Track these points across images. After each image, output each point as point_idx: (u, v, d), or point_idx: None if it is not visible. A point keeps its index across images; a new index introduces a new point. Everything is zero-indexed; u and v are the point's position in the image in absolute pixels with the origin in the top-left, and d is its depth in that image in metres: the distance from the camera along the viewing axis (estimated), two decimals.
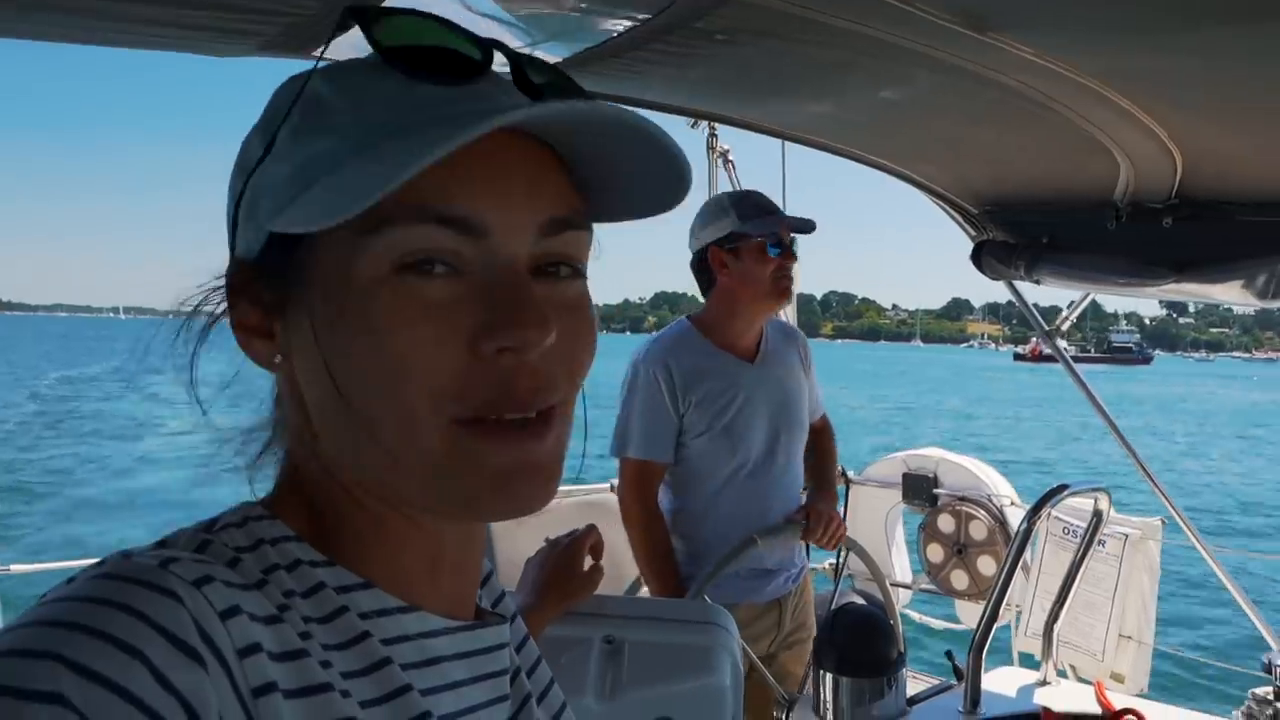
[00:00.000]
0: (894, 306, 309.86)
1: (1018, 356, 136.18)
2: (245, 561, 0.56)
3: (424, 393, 0.55)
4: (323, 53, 0.63)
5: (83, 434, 27.03)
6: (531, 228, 0.58)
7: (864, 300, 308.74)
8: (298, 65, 1.70)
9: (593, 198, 0.63)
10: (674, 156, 0.60)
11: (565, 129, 0.58)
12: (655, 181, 0.63)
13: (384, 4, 0.68)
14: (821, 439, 3.07)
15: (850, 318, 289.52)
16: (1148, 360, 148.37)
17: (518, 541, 2.95)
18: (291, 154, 0.58)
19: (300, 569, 0.58)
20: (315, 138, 0.58)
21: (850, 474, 4.33)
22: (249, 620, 0.51)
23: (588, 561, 1.46)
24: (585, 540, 1.46)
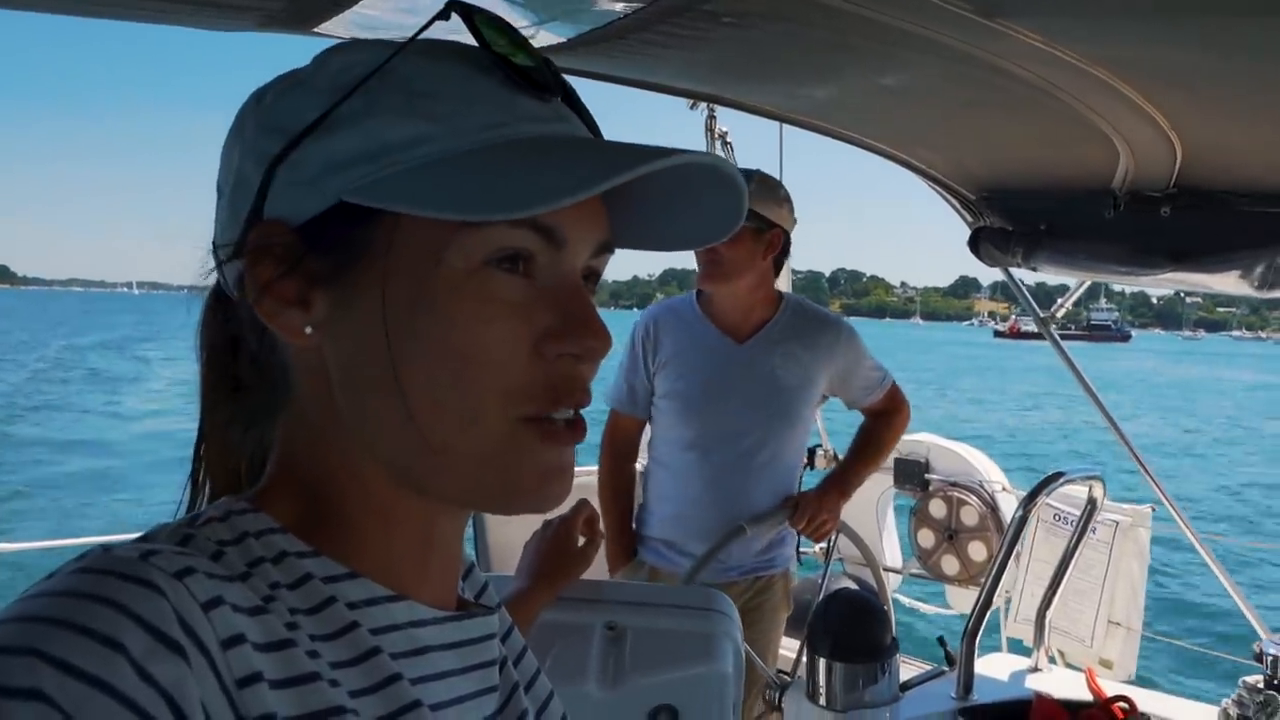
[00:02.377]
0: (902, 284, 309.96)
1: (997, 334, 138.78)
2: (228, 555, 0.55)
3: (493, 385, 0.58)
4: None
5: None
6: (591, 246, 0.62)
7: (872, 278, 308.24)
8: (294, 40, 1.68)
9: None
10: (739, 202, 0.64)
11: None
12: (707, 218, 0.66)
13: None
14: (877, 423, 3.01)
15: (858, 295, 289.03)
16: (1126, 338, 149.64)
17: (509, 529, 2.96)
18: (373, 129, 0.57)
19: (286, 561, 0.58)
20: (409, 120, 0.57)
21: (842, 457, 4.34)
22: (232, 611, 0.51)
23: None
24: (577, 518, 1.45)
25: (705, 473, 2.74)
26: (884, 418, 3.02)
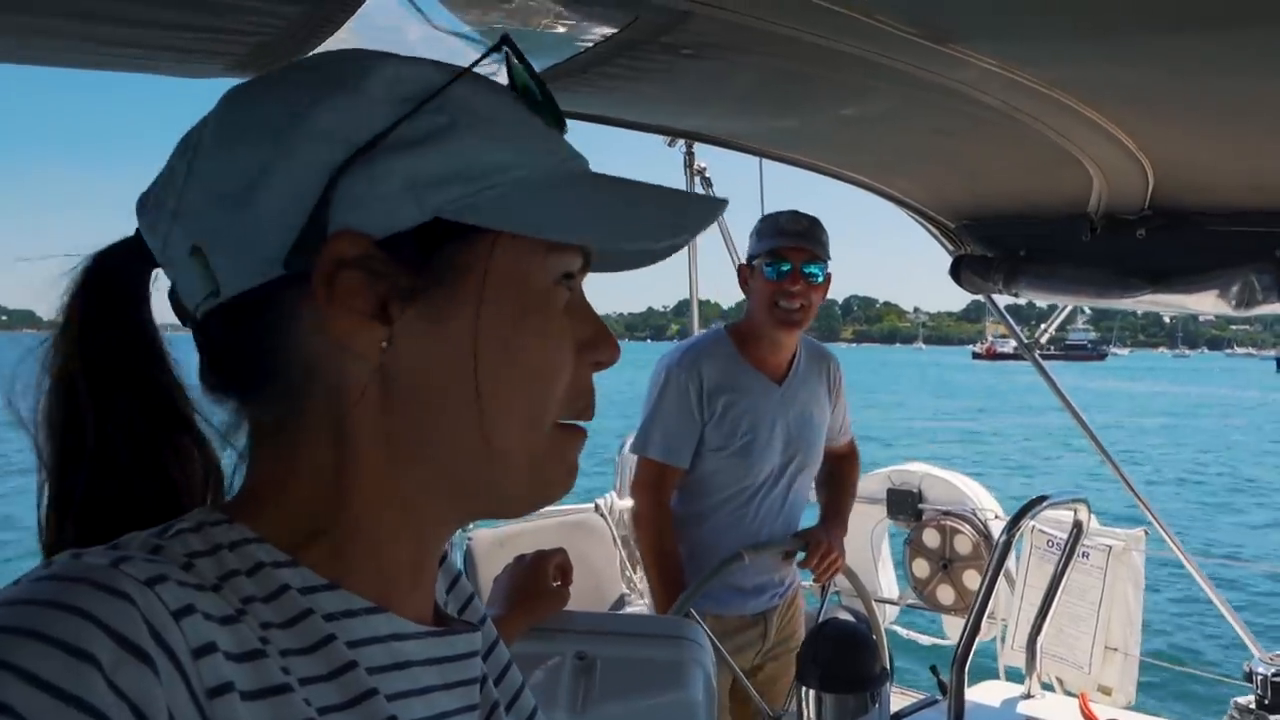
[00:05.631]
0: (915, 310, 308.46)
1: (975, 355, 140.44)
2: (199, 566, 0.54)
3: (555, 393, 0.63)
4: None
5: None
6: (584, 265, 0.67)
7: (886, 304, 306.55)
8: None
9: None
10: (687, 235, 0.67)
11: None
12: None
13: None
14: (843, 466, 3.04)
15: (871, 321, 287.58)
16: (1101, 357, 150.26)
17: (498, 561, 2.94)
18: (463, 149, 0.58)
19: (263, 572, 0.57)
20: (494, 145, 0.60)
21: None
22: (204, 619, 0.51)
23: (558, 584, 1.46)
24: (550, 557, 1.46)
25: (756, 517, 2.73)
26: (849, 461, 3.07)
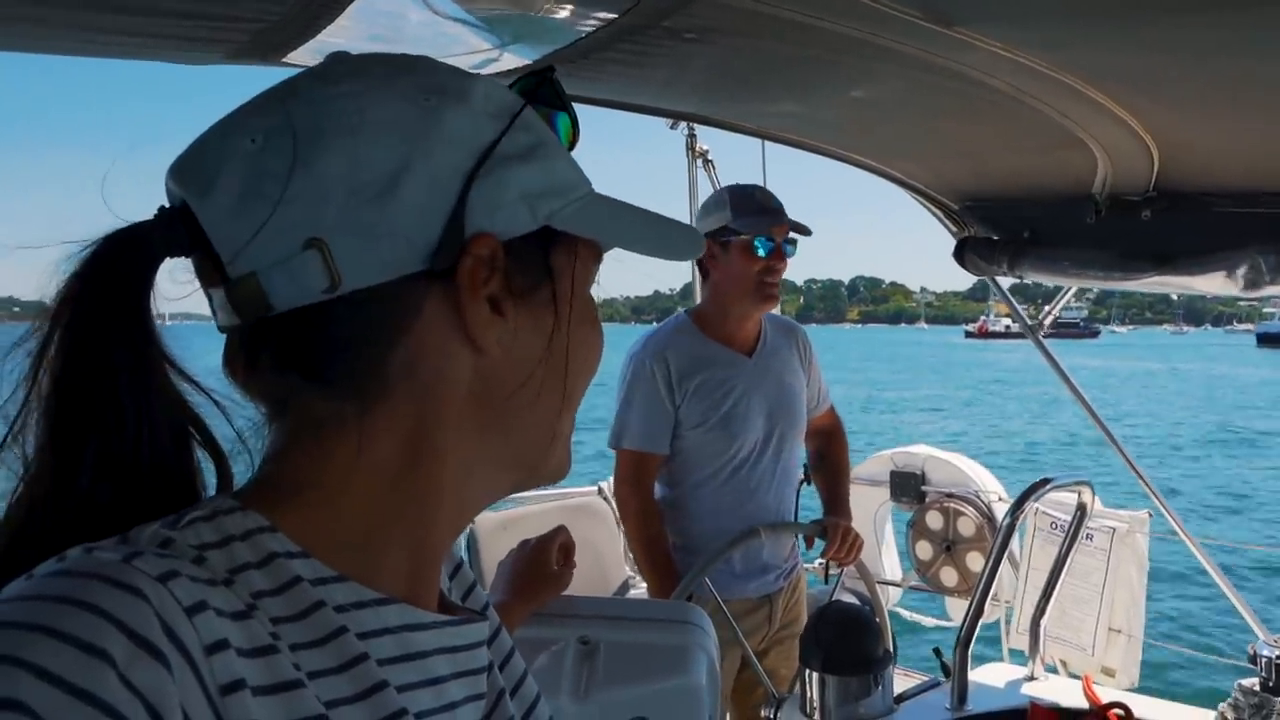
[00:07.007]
0: (922, 290, 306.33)
1: (968, 334, 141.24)
2: (210, 560, 0.54)
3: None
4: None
5: None
6: None
7: (892, 284, 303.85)
8: (264, 72, 1.70)
9: None
10: None
11: None
12: None
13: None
14: (832, 446, 3.05)
15: (877, 302, 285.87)
16: (1094, 334, 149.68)
17: (501, 545, 2.95)
18: (552, 165, 0.64)
19: (275, 563, 0.56)
20: (570, 164, 0.66)
21: None
22: (216, 616, 0.51)
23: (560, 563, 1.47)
24: (553, 540, 1.46)
25: (748, 489, 2.74)
26: (837, 440, 3.08)
